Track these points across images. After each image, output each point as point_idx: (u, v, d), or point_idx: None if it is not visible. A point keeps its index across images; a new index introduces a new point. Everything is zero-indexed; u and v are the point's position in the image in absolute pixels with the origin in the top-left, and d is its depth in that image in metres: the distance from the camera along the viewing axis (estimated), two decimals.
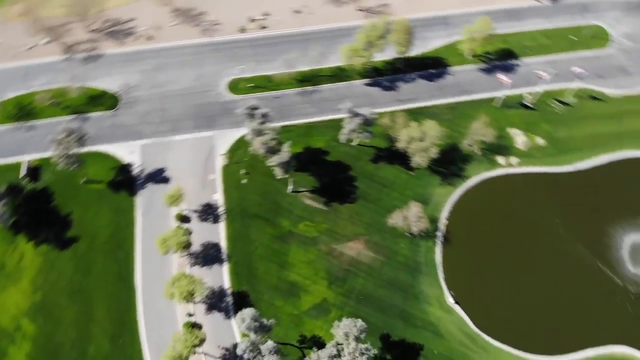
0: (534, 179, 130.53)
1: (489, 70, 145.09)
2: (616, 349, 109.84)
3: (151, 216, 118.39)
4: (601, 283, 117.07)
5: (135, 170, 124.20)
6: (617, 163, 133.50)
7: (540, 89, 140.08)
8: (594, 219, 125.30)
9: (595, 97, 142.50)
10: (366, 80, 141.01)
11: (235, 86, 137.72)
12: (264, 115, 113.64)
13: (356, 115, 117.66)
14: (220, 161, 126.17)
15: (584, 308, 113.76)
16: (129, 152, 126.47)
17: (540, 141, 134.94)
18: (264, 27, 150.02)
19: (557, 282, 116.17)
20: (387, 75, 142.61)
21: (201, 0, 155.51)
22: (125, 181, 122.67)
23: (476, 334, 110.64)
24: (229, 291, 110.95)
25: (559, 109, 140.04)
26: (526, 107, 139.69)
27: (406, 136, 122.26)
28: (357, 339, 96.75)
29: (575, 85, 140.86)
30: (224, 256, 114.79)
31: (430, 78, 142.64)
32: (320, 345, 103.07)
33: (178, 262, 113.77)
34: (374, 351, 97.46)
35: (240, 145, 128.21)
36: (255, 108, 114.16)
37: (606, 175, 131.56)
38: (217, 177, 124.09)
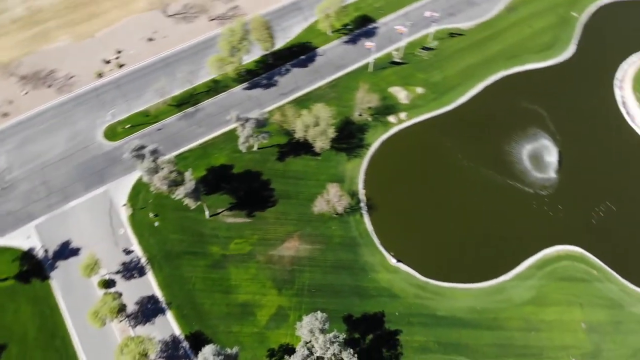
0: (427, 126, 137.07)
1: (353, 41, 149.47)
2: (550, 251, 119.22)
3: (73, 294, 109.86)
4: (516, 197, 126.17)
5: (40, 254, 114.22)
6: (492, 86, 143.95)
7: (403, 42, 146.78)
8: (489, 142, 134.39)
9: (453, 34, 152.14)
10: (244, 85, 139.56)
11: (113, 132, 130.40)
12: (154, 152, 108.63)
13: (246, 120, 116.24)
14: (124, 212, 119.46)
15: (509, 225, 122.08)
16: (26, 238, 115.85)
17: (419, 90, 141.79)
18: (122, 65, 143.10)
19: (479, 210, 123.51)
20: (262, 74, 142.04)
21: (46, 59, 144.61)
22: (33, 268, 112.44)
23: (425, 283, 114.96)
24: (182, 337, 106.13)
25: (426, 55, 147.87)
26: (397, 63, 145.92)
27: (301, 125, 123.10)
28: (323, 331, 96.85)
29: (433, 29, 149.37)
30: (164, 305, 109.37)
31: (303, 64, 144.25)
32: (291, 351, 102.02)
33: (119, 329, 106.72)
34: (343, 335, 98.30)
35: (139, 189, 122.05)
36: (141, 148, 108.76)
37: (486, 99, 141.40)
38: (127, 230, 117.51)
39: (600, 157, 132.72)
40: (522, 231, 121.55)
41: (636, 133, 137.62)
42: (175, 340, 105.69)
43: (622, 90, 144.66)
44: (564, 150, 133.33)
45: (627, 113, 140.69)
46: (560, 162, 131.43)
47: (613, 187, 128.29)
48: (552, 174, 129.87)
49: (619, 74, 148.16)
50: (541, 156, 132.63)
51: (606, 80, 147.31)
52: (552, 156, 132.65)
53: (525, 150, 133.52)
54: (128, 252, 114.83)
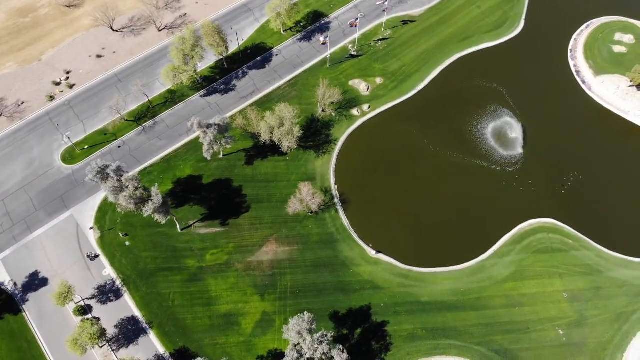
0: (390, 115, 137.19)
1: (307, 37, 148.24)
2: (525, 225, 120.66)
3: (50, 324, 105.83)
4: (486, 176, 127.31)
5: (9, 287, 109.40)
6: (449, 69, 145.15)
7: (357, 35, 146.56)
8: (453, 125, 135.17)
9: (405, 22, 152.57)
10: (202, 92, 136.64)
11: (71, 155, 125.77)
12: (117, 170, 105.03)
13: (208, 127, 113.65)
14: (92, 235, 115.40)
15: (482, 204, 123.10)
16: None
17: (379, 81, 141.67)
18: (72, 86, 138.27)
19: (451, 193, 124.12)
20: (219, 79, 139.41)
21: None
22: (5, 303, 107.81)
23: (408, 271, 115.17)
24: (167, 355, 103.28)
25: (381, 45, 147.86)
26: (354, 56, 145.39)
27: (266, 127, 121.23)
28: (310, 331, 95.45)
29: (385, 18, 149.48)
30: (145, 325, 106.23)
31: (259, 66, 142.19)
32: (281, 356, 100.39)
33: (101, 355, 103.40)
34: (330, 333, 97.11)
35: (105, 210, 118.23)
36: (104, 168, 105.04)
37: (445, 83, 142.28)
38: (98, 252, 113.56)
39: (561, 128, 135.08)
40: (495, 209, 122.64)
41: (593, 100, 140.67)
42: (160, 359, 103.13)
43: (575, 60, 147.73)
44: (527, 125, 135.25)
45: (583, 82, 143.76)
46: (525, 137, 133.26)
47: (577, 155, 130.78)
48: (518, 149, 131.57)
49: (570, 45, 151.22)
50: (505, 133, 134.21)
51: (559, 52, 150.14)
52: (516, 132, 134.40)
53: (490, 129, 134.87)
54: (101, 275, 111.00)
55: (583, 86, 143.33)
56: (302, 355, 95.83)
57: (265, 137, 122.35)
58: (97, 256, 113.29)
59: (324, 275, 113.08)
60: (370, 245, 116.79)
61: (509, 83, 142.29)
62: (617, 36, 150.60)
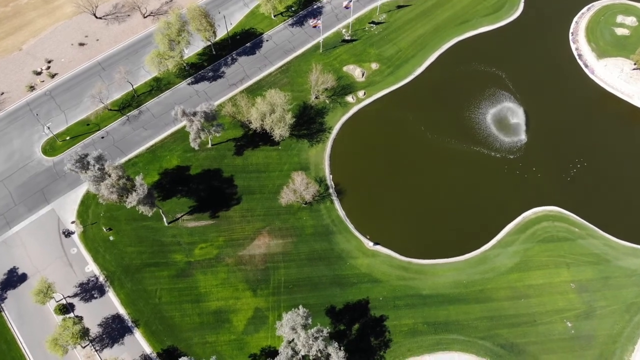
0: (386, 101, 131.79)
1: (299, 22, 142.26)
2: (529, 214, 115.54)
3: (29, 324, 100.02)
4: (487, 164, 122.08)
5: None
6: (447, 53, 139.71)
7: (351, 19, 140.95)
8: (452, 111, 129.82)
9: (401, 6, 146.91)
10: (189, 80, 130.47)
11: (52, 147, 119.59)
12: (99, 158, 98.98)
13: (194, 114, 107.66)
14: (75, 230, 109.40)
15: (484, 192, 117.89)
16: None
17: (374, 66, 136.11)
18: (54, 75, 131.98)
19: (451, 181, 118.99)
20: (206, 66, 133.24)
21: None
22: None
23: (407, 263, 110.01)
24: (154, 355, 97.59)
25: (376, 30, 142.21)
26: (348, 41, 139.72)
27: (256, 114, 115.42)
28: (305, 327, 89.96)
29: (379, 2, 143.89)
30: (130, 323, 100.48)
31: (249, 52, 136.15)
32: (274, 354, 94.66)
33: (84, 355, 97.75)
34: (326, 329, 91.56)
35: (88, 203, 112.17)
36: (84, 156, 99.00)
37: (443, 68, 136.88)
38: (80, 248, 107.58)
39: (564, 113, 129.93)
40: (497, 197, 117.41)
41: (596, 84, 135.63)
42: None
43: (577, 43, 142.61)
44: (529, 110, 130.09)
45: (585, 65, 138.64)
46: (527, 122, 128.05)
47: (582, 141, 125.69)
48: (520, 135, 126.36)
49: (571, 28, 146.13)
50: (506, 119, 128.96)
51: (560, 36, 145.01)
52: (517, 117, 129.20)
53: (490, 115, 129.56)
54: (84, 271, 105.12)
55: (585, 70, 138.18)
56: (296, 353, 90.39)
57: (255, 125, 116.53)
58: (72, 233, 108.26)
59: (320, 268, 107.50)
60: (368, 237, 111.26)
61: (508, 68, 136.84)
62: (619, 18, 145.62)
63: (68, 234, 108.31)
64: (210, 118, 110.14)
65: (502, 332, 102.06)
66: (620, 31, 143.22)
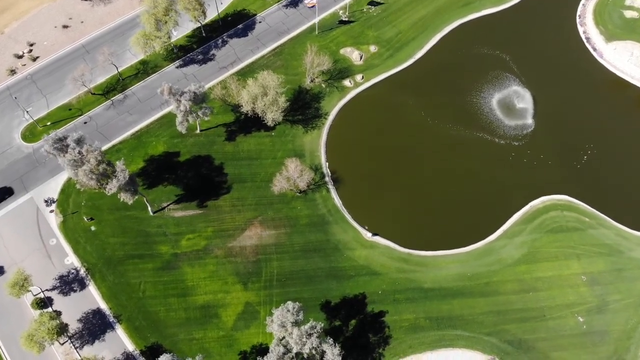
0: (386, 86, 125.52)
1: (293, 3, 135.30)
2: (536, 203, 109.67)
3: (4, 319, 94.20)
4: (492, 151, 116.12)
5: None
6: (449, 36, 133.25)
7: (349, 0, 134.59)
8: (455, 96, 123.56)
9: None
10: (177, 63, 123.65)
11: (32, 133, 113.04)
12: (79, 141, 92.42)
13: (181, 94, 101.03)
14: (54, 220, 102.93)
15: (489, 180, 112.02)
16: None
17: (373, 49, 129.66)
18: (36, 58, 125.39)
19: (454, 169, 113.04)
20: (196, 49, 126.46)
21: None
22: None
23: (407, 254, 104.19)
24: (137, 352, 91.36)
25: (375, 11, 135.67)
26: (345, 22, 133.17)
27: (248, 97, 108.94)
28: (297, 323, 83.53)
29: None
30: (112, 318, 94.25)
31: (241, 34, 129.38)
32: (266, 351, 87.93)
33: (62, 352, 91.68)
34: (321, 325, 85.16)
35: (68, 192, 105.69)
36: (63, 138, 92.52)
37: (445, 51, 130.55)
38: (60, 239, 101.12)
39: (573, 98, 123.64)
40: (503, 186, 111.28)
41: (605, 68, 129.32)
42: (129, 358, 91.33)
43: (585, 26, 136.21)
44: (536, 95, 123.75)
45: (594, 49, 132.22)
46: (535, 107, 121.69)
47: (591, 127, 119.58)
48: (527, 121, 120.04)
49: (579, 10, 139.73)
50: (512, 103, 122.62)
51: (567, 19, 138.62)
52: (524, 102, 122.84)
53: (495, 100, 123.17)
54: (63, 264, 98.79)
55: (594, 54, 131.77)
56: (289, 351, 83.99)
57: (246, 108, 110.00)
58: (54, 201, 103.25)
59: (315, 260, 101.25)
60: (366, 227, 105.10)
61: (514, 51, 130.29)
62: (628, 1, 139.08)
63: (51, 202, 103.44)
64: (199, 100, 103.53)
65: (510, 327, 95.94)
66: (629, 14, 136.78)
